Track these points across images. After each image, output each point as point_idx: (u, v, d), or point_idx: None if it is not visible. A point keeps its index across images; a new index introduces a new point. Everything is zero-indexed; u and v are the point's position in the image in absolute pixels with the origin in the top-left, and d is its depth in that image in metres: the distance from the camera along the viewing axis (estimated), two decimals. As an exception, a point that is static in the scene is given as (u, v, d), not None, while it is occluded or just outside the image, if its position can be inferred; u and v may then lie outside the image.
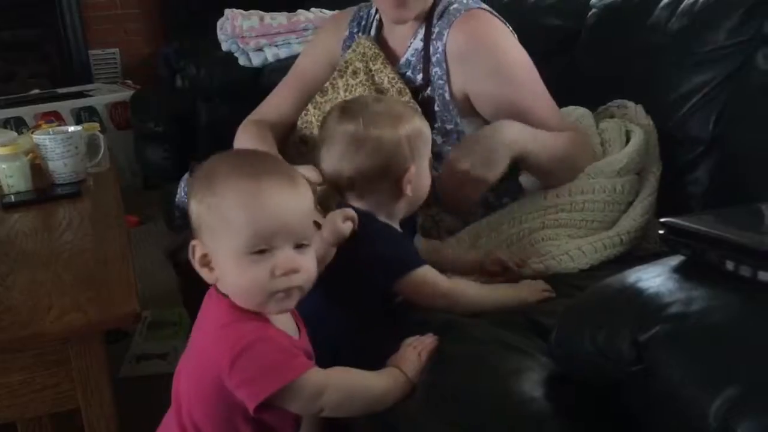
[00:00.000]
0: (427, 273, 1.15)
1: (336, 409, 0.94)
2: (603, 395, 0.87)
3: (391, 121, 1.16)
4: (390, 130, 1.15)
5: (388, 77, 1.50)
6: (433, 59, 1.48)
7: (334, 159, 1.17)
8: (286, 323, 0.96)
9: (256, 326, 0.90)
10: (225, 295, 0.92)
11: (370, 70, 1.52)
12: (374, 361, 1.02)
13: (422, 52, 1.49)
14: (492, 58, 1.43)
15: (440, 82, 1.47)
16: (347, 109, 1.19)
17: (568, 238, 1.33)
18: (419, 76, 1.50)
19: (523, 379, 0.93)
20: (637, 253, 1.34)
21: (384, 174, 1.15)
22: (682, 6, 1.59)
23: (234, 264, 0.88)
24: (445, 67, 1.46)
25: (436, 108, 1.48)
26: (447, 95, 1.47)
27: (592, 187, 1.38)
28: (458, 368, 0.99)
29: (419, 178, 1.18)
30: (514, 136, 1.33)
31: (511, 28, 1.50)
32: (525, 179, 1.48)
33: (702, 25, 1.54)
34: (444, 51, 1.45)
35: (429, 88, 1.49)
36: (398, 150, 1.15)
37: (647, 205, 1.39)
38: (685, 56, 1.56)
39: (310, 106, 1.60)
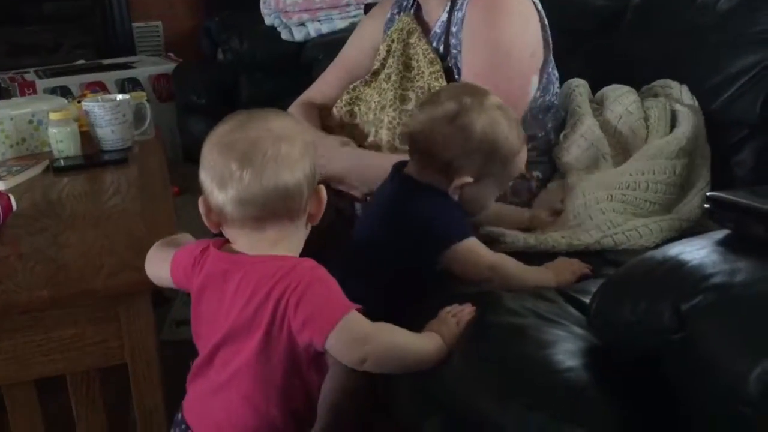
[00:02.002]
0: (474, 244, 1.17)
1: (377, 360, 0.94)
2: (639, 366, 0.88)
3: (508, 124, 1.18)
4: (491, 129, 1.17)
5: (422, 49, 1.52)
6: (453, 29, 1.49)
7: (426, 121, 1.18)
8: None
9: (311, 266, 0.93)
10: None
11: (407, 45, 1.54)
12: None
13: (446, 24, 1.50)
14: (484, 31, 1.42)
15: (454, 51, 1.49)
16: (474, 91, 1.21)
17: (632, 216, 1.33)
18: (441, 47, 1.52)
19: (559, 349, 0.94)
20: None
21: (444, 165, 1.17)
22: (731, -14, 1.57)
23: None
24: (459, 37, 1.47)
25: (456, 78, 1.49)
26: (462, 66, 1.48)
27: (653, 168, 1.38)
28: (495, 338, 1.00)
29: (477, 193, 1.20)
30: None
31: (539, 7, 1.47)
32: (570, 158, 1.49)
33: (751, 5, 1.52)
34: (461, 21, 1.46)
35: (449, 59, 1.50)
36: (474, 155, 1.17)
37: (704, 196, 1.37)
38: (733, 37, 1.54)
39: (358, 83, 1.62)
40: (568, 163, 1.49)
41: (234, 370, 0.95)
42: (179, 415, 1.03)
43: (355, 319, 0.91)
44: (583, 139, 1.48)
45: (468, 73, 1.42)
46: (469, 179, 1.17)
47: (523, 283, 1.16)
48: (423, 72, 1.50)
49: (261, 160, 0.90)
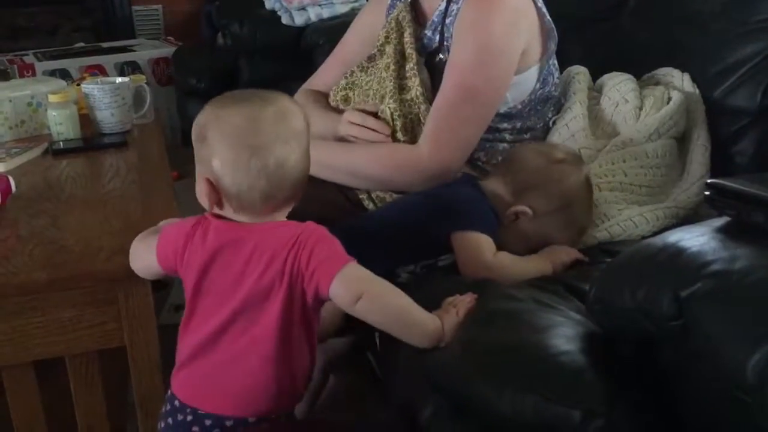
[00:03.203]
0: (484, 241, 1.20)
1: (372, 300, 0.96)
2: (636, 352, 0.89)
3: (589, 198, 1.28)
4: (575, 177, 1.26)
5: (408, 40, 1.51)
6: (447, 21, 1.47)
7: (533, 153, 1.32)
8: None
9: (315, 227, 0.98)
10: None
11: (402, 33, 1.53)
12: None
13: (443, 14, 1.49)
14: (475, 27, 1.39)
15: (446, 44, 1.47)
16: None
17: (626, 203, 1.33)
18: (437, 37, 1.51)
19: (557, 334, 0.95)
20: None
21: (519, 185, 1.26)
22: (734, -26, 1.56)
23: None
24: (451, 31, 1.45)
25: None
26: None
27: (623, 157, 1.39)
28: (494, 324, 1.01)
29: (526, 229, 1.25)
30: None
31: (540, 3, 1.46)
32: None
33: (754, -6, 1.51)
34: (456, 14, 1.44)
35: (442, 50, 1.49)
36: (551, 198, 1.25)
37: (703, 184, 1.37)
38: (736, 26, 1.53)
39: (355, 68, 1.61)
40: None
41: (254, 337, 0.97)
42: (176, 403, 1.02)
43: (356, 266, 0.96)
44: (566, 128, 1.48)
45: (452, 67, 1.40)
46: (530, 211, 1.24)
47: (523, 279, 1.18)
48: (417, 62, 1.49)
49: (285, 157, 0.94)
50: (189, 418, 1.00)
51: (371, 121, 1.44)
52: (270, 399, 0.99)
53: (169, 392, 1.04)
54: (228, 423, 0.98)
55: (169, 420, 1.02)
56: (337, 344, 1.31)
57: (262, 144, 0.93)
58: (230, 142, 0.93)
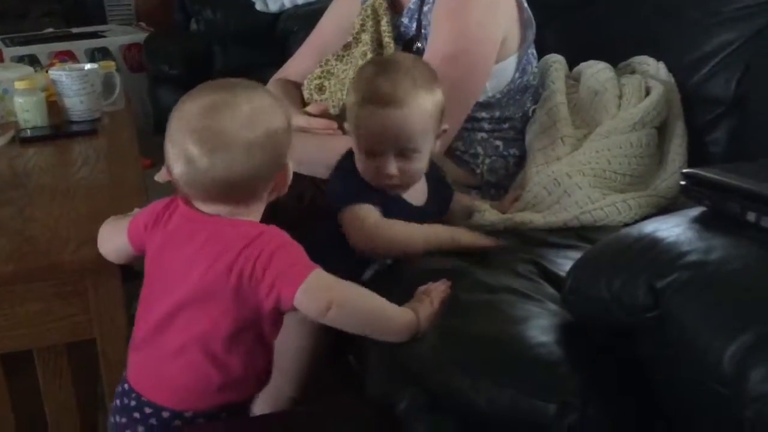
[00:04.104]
0: (354, 210, 1.14)
1: (341, 309, 0.93)
2: (612, 344, 0.88)
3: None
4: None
5: (385, 28, 1.49)
6: (425, 9, 1.45)
7: None
8: None
9: (276, 233, 0.93)
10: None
11: (378, 21, 1.51)
12: None
13: (420, 2, 1.47)
14: (452, 15, 1.37)
15: (424, 32, 1.46)
16: None
17: (609, 190, 1.32)
18: (414, 25, 1.49)
19: (533, 325, 0.95)
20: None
21: None
22: (708, -37, 1.56)
23: None
24: (429, 18, 1.43)
25: None
26: None
27: (607, 146, 1.38)
28: (470, 314, 1.01)
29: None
30: None
31: None
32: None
33: (729, -19, 1.51)
34: (433, 2, 1.43)
35: (420, 39, 1.47)
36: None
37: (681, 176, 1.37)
38: (709, 15, 1.53)
39: (330, 57, 1.59)
40: (528, 142, 1.49)
41: (197, 332, 0.94)
42: (125, 386, 1.00)
43: (321, 274, 0.92)
44: (546, 117, 1.48)
45: (431, 56, 1.37)
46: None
47: (411, 244, 1.15)
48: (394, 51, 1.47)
49: (216, 150, 0.89)
50: (133, 403, 0.98)
51: (315, 122, 1.41)
52: (210, 397, 0.96)
53: (125, 372, 1.03)
54: (165, 414, 0.97)
55: (117, 402, 1.01)
56: None
57: (197, 141, 0.89)
58: (173, 131, 0.91)
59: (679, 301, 0.72)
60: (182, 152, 0.90)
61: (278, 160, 0.94)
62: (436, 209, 1.25)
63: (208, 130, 0.89)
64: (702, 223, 0.81)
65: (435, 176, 1.26)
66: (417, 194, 1.21)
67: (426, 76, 1.13)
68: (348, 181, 1.17)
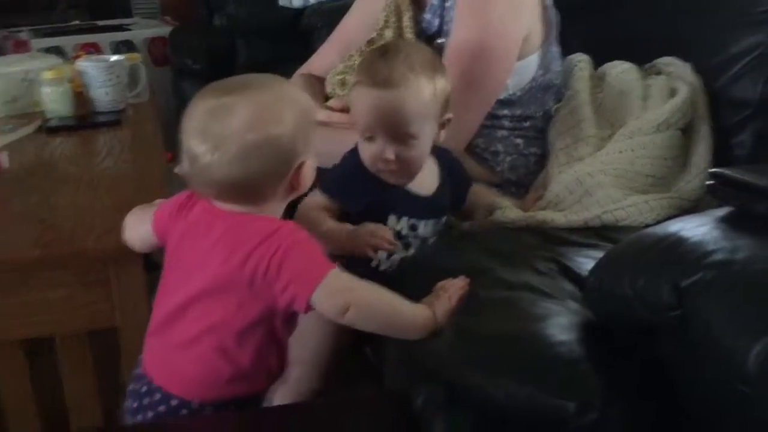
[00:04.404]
0: (312, 197, 1.12)
1: (360, 310, 0.92)
2: (632, 342, 0.88)
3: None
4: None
5: (407, 24, 1.49)
6: (447, 4, 1.45)
7: None
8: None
9: (293, 229, 0.92)
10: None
11: (401, 17, 1.51)
12: None
13: None
14: (475, 10, 1.37)
15: (446, 28, 1.45)
16: None
17: (631, 191, 1.31)
18: (436, 21, 1.48)
19: (553, 323, 0.94)
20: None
21: None
22: (737, -36, 1.55)
23: None
24: (452, 15, 1.42)
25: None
26: None
27: (630, 146, 1.37)
28: (488, 312, 1.00)
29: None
30: None
31: None
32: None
33: (757, -16, 1.50)
34: None
35: (442, 36, 1.46)
36: None
37: (706, 177, 1.35)
38: (738, 16, 1.52)
39: (354, 52, 1.59)
40: (551, 140, 1.47)
41: (209, 324, 0.94)
42: (139, 371, 1.01)
43: (339, 274, 0.92)
44: (570, 117, 1.47)
45: (452, 50, 1.37)
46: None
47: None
48: None
49: (216, 150, 0.89)
50: (144, 389, 0.99)
51: (336, 116, 1.41)
52: (220, 388, 0.96)
53: (140, 356, 1.03)
54: (173, 402, 0.97)
55: (131, 387, 1.02)
56: None
57: (204, 137, 0.89)
58: (186, 124, 0.91)
59: (703, 300, 0.72)
60: (187, 150, 0.91)
61: (285, 162, 0.93)
62: (447, 201, 1.24)
63: (208, 129, 0.90)
64: (728, 222, 0.80)
65: (450, 166, 1.25)
66: (424, 184, 1.19)
67: (428, 63, 1.12)
68: (344, 175, 1.17)
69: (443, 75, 1.13)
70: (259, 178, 0.92)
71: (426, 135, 1.12)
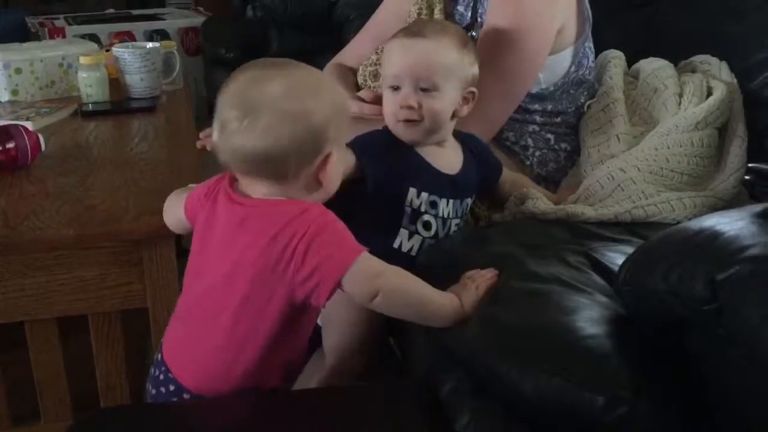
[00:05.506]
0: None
1: (389, 296, 0.93)
2: (663, 338, 0.87)
3: None
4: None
5: (439, 17, 1.48)
6: None
7: None
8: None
9: (320, 212, 0.91)
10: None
11: (432, 11, 1.51)
12: None
13: None
14: (506, 2, 1.35)
15: (479, 21, 1.44)
16: None
17: (664, 188, 1.30)
18: (469, 14, 1.48)
19: (583, 316, 0.93)
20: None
21: None
22: (778, -38, 1.53)
23: None
24: (485, 6, 1.42)
25: None
26: None
27: (666, 143, 1.36)
28: (518, 303, 0.99)
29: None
30: None
31: None
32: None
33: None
34: None
35: (475, 28, 1.46)
36: None
37: (740, 177, 1.33)
38: (775, 16, 1.50)
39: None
40: (582, 137, 1.47)
41: (226, 317, 0.94)
42: (159, 356, 1.02)
43: (369, 258, 0.91)
44: (602, 113, 1.46)
45: (484, 40, 1.36)
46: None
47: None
48: None
49: (248, 114, 0.88)
50: (161, 376, 1.00)
51: (367, 108, 1.41)
52: (232, 382, 0.96)
53: (162, 339, 1.04)
54: (185, 396, 0.97)
55: (152, 370, 1.03)
56: None
57: (234, 108, 0.89)
58: (220, 97, 0.91)
59: (739, 294, 0.71)
60: (219, 117, 0.90)
61: (314, 142, 0.91)
62: (472, 185, 1.23)
63: (244, 95, 0.89)
64: (765, 217, 0.79)
65: (479, 152, 1.25)
66: (448, 162, 1.19)
67: (460, 35, 1.18)
68: (374, 137, 1.18)
69: (471, 53, 1.17)
70: (284, 154, 0.89)
71: (448, 93, 1.14)
